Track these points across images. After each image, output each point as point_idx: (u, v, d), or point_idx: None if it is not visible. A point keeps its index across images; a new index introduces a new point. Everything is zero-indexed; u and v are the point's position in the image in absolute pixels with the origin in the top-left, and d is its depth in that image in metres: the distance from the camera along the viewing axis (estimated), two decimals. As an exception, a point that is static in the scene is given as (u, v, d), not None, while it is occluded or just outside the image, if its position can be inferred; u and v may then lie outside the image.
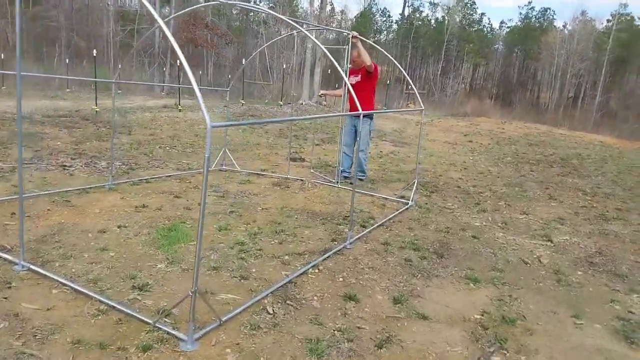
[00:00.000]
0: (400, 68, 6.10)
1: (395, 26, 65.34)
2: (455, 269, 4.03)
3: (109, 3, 41.28)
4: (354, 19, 67.64)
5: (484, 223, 5.51)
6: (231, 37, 33.15)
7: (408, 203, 5.87)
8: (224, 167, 7.16)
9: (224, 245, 3.98)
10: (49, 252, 3.50)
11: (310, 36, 4.48)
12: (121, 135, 9.34)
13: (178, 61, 19.82)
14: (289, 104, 12.32)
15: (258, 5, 54.50)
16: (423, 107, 5.82)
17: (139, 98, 19.89)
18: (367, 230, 4.73)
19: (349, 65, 6.28)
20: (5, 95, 14.68)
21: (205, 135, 2.40)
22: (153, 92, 25.59)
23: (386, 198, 6.15)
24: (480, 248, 4.62)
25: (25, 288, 2.98)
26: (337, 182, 6.54)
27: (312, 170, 7.02)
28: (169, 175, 6.31)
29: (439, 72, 57.96)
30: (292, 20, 4.89)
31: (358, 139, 6.33)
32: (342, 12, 69.98)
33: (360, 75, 6.48)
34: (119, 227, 4.11)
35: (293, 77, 35.08)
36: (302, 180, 6.64)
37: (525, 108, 38.57)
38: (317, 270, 3.64)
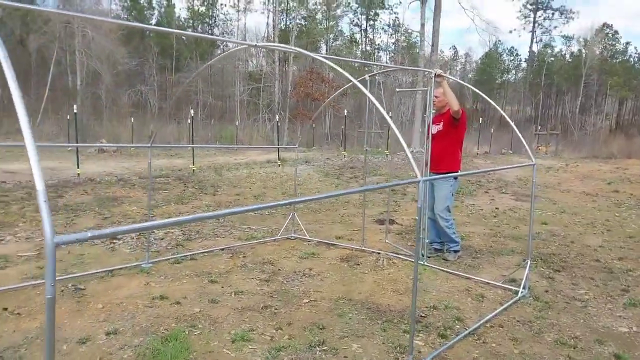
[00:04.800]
0: (499, 108, 4.63)
1: (524, 64, 61.17)
2: None
3: (237, 65, 44.29)
4: (479, 61, 64.89)
5: (635, 328, 3.69)
6: (346, 89, 33.17)
7: (518, 292, 4.25)
8: (292, 235, 6.15)
9: (226, 370, 2.86)
10: (-6, 376, 2.69)
11: (360, 87, 3.36)
12: (205, 196, 8.91)
13: (277, 116, 19.93)
14: (397, 152, 11.29)
15: (379, 55, 54.90)
16: (534, 162, 4.27)
17: (254, 153, 20.24)
18: (447, 344, 3.27)
19: (432, 111, 4.98)
20: (124, 157, 15.63)
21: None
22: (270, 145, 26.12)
23: (488, 283, 4.58)
24: (630, 382, 2.91)
25: None
26: (423, 258, 5.11)
27: (386, 241, 5.69)
28: (223, 248, 5.45)
29: (577, 110, 52.29)
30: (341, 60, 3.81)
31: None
32: (466, 55, 67.71)
33: (442, 123, 5.11)
34: (107, 334, 3.22)
35: (411, 125, 33.86)
36: (378, 253, 5.34)
37: (690, 145, 32.42)
38: None
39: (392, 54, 53.77)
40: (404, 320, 3.64)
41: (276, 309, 3.77)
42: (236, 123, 24.25)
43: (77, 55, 27.47)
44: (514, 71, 66.07)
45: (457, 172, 5.08)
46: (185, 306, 3.75)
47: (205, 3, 50.86)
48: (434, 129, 5.21)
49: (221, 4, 51.20)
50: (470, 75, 65.71)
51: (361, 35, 53.53)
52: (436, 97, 5.07)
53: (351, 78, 3.62)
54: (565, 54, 59.49)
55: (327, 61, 3.85)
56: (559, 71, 56.25)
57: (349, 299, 4.06)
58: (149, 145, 4.57)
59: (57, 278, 4.07)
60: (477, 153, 21.54)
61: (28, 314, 3.50)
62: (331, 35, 48.42)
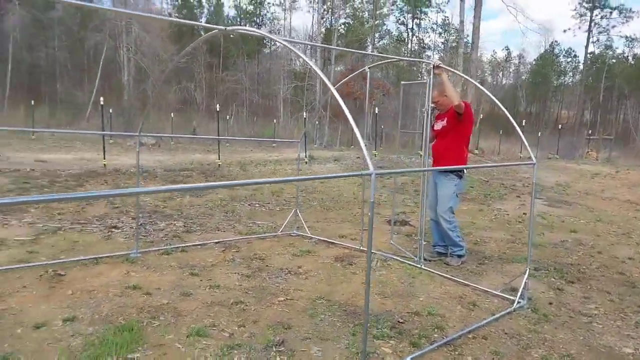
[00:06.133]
0: (504, 109, 4.28)
1: (581, 66, 58.21)
2: None
3: (284, 64, 44.56)
4: (534, 62, 62.26)
5: (644, 350, 3.29)
6: (388, 88, 32.72)
7: (515, 302, 3.90)
8: (294, 232, 5.99)
9: (169, 366, 2.73)
10: (-64, 357, 2.67)
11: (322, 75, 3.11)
12: (222, 190, 8.90)
13: (304, 114, 19.74)
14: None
15: (427, 54, 53.72)
16: (535, 162, 3.91)
17: (289, 150, 20.24)
18: (416, 353, 3.01)
19: (432, 105, 4.67)
20: (162, 150, 15.97)
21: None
22: (313, 144, 26.04)
23: (486, 291, 4.24)
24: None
25: None
26: (420, 261, 4.81)
27: (391, 242, 5.40)
28: (218, 242, 5.35)
29: (639, 115, 49.25)
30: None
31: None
32: (519, 56, 65.20)
33: (446, 119, 4.79)
34: (64, 320, 3.16)
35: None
36: (375, 254, 5.09)
37: None
38: None
39: (442, 54, 52.56)
40: (379, 326, 3.40)
41: (247, 305, 3.62)
42: (274, 121, 24.33)
43: (124, 52, 28.46)
44: (571, 73, 63.03)
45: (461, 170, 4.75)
46: (155, 297, 3.66)
47: (253, 2, 51.53)
48: (439, 125, 4.90)
49: (268, 3, 51.74)
50: (524, 77, 63.28)
51: (408, 34, 52.70)
52: (435, 101, 4.75)
53: (326, 80, 3.37)
54: (627, 56, 56.14)
55: (288, 45, 3.65)
56: (621, 74, 53.15)
57: (329, 299, 3.84)
58: (138, 133, 4.54)
59: (42, 263, 4.11)
60: (521, 157, 20.65)
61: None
62: (377, 34, 47.91)
